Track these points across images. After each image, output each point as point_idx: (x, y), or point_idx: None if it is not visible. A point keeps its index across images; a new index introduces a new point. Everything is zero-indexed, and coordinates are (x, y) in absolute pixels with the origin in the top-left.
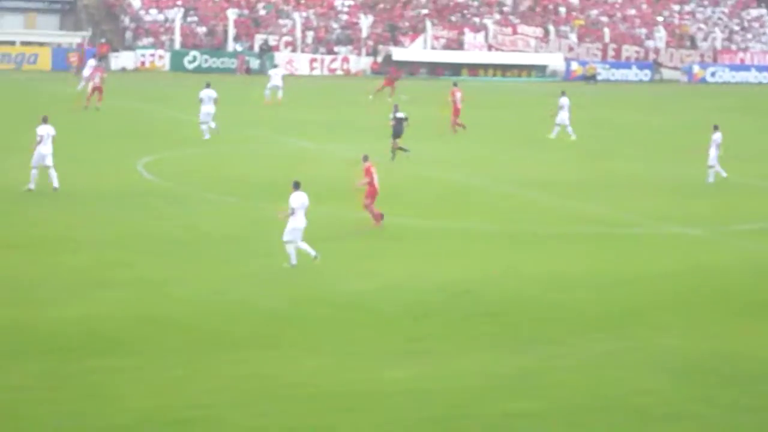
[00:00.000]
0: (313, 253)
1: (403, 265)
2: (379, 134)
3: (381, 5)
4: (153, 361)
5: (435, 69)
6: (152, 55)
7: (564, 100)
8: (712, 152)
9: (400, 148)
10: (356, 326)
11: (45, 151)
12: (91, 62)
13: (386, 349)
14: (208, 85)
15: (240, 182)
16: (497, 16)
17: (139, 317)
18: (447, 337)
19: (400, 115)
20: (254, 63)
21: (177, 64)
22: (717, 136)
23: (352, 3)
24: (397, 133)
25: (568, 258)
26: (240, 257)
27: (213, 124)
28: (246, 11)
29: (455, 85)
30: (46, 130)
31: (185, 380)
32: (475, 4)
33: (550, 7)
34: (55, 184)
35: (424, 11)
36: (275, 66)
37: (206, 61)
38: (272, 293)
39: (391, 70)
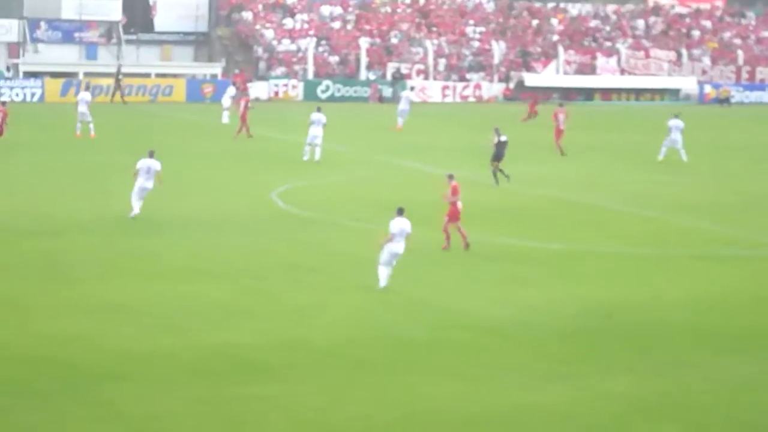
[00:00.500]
0: (383, 283)
1: (541, 289)
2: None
3: (513, 31)
4: (297, 389)
5: (568, 94)
6: (285, 84)
7: (675, 122)
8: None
9: (501, 171)
10: (498, 351)
11: (147, 185)
12: (231, 91)
13: (529, 373)
14: (318, 110)
15: (373, 207)
16: (630, 40)
17: (283, 344)
18: (589, 360)
19: (502, 138)
20: (387, 91)
21: (310, 93)
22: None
23: (483, 29)
24: (498, 156)
25: (706, 280)
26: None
27: (317, 150)
28: (378, 40)
29: (561, 105)
30: (147, 164)
31: (328, 407)
32: (607, 28)
33: (683, 30)
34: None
35: (556, 37)
36: (405, 89)
37: (339, 90)
38: (411, 319)
39: (532, 96)
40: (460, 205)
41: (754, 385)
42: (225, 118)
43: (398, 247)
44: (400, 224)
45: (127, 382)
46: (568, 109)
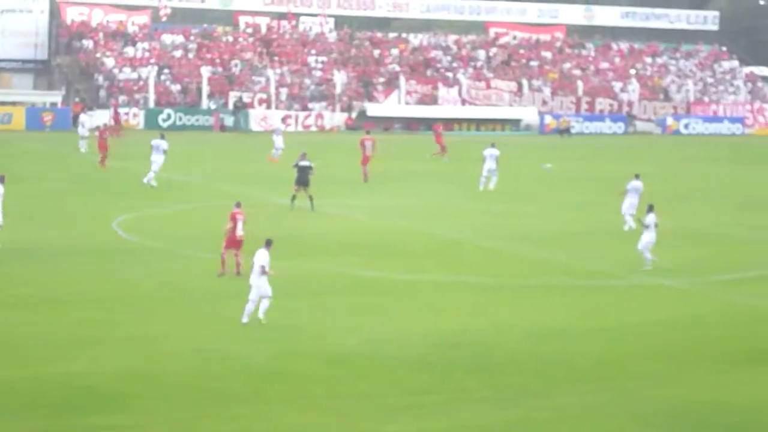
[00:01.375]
0: (245, 319)
1: (391, 319)
2: (372, 188)
3: (354, 61)
4: (143, 419)
5: (410, 124)
6: (126, 113)
7: (490, 151)
8: (629, 200)
9: (309, 198)
10: (346, 381)
11: None
12: (85, 119)
13: (377, 403)
14: (162, 136)
15: (217, 237)
16: (471, 71)
17: (129, 374)
18: (437, 390)
19: (304, 163)
20: (228, 120)
21: (152, 122)
22: (637, 185)
23: (325, 59)
24: (299, 180)
25: (552, 310)
26: (222, 312)
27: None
28: (220, 69)
29: (367, 133)
30: None
31: None
32: (448, 58)
33: (524, 61)
34: None
35: (398, 67)
36: (277, 131)
37: (180, 118)
38: (260, 349)
39: (434, 128)
40: (240, 233)
41: (600, 414)
42: (82, 146)
43: (260, 282)
44: (262, 257)
45: None
46: (390, 137)
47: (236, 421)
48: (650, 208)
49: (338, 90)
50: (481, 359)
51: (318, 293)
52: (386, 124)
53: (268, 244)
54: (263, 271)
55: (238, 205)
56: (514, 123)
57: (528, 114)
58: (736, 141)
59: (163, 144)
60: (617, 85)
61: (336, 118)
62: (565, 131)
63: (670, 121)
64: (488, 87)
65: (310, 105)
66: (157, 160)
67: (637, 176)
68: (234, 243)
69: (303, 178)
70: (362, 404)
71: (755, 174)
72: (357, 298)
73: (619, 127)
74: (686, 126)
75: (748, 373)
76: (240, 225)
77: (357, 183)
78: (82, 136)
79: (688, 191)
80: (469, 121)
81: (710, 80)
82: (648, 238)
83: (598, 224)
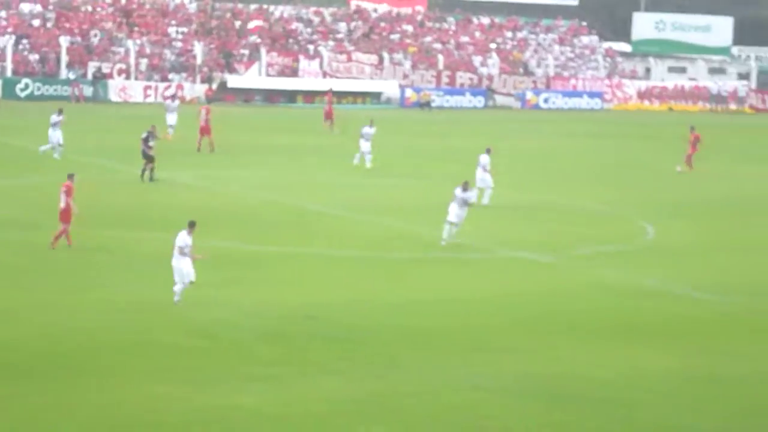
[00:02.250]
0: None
1: (250, 291)
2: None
3: (215, 32)
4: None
5: (270, 96)
6: None
7: (367, 130)
8: (479, 174)
9: (150, 172)
10: (206, 353)
11: None
12: None
13: (235, 375)
14: (59, 111)
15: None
16: (332, 43)
17: None
18: (294, 362)
19: (143, 135)
20: (87, 90)
21: (9, 91)
22: (484, 158)
23: (186, 30)
24: (144, 153)
25: (414, 283)
26: (86, 286)
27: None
28: (79, 38)
29: (209, 103)
30: None
31: (45, 408)
32: (309, 31)
33: (385, 34)
34: None
35: (259, 39)
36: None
37: (39, 88)
38: (117, 322)
39: (327, 96)
40: (62, 205)
41: (462, 387)
42: None
43: (181, 264)
44: (178, 239)
45: None
46: (251, 109)
47: (93, 392)
48: (466, 186)
49: (198, 61)
50: (339, 332)
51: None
52: (247, 95)
53: (191, 225)
54: (182, 253)
55: (71, 177)
56: (375, 96)
57: (389, 87)
58: (594, 116)
59: (59, 118)
60: (477, 60)
61: (196, 90)
62: (425, 105)
63: (529, 95)
64: (349, 60)
65: (170, 76)
66: (55, 134)
67: (488, 150)
68: (62, 216)
69: (145, 152)
70: (219, 375)
71: (614, 149)
72: (217, 270)
73: (479, 101)
74: (546, 100)
75: (609, 347)
76: (63, 197)
77: (220, 155)
78: None
79: (548, 166)
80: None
81: (570, 55)
82: (459, 212)
83: None
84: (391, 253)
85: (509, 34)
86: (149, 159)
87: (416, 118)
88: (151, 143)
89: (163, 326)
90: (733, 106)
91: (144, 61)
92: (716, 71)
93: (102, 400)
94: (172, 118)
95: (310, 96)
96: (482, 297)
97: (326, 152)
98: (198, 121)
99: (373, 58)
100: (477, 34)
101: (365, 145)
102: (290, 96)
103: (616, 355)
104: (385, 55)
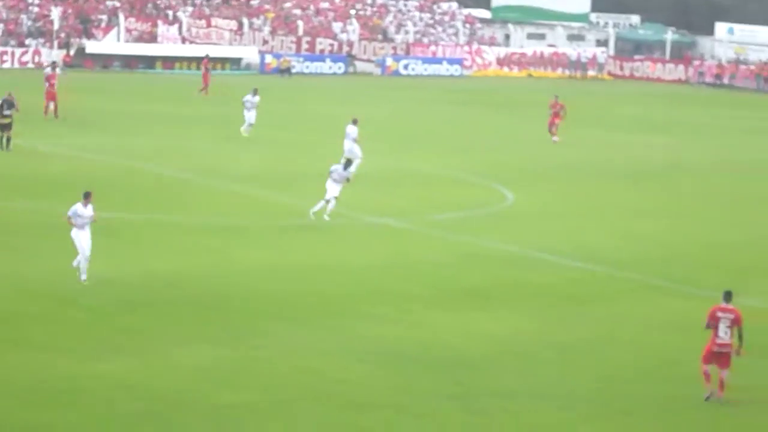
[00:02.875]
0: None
1: (112, 259)
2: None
3: None
4: None
5: (129, 62)
6: None
7: (249, 98)
8: (347, 145)
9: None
10: (65, 321)
11: None
12: None
13: (94, 343)
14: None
15: None
16: (191, 9)
17: None
18: (155, 330)
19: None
20: None
21: None
22: (352, 129)
23: None
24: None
25: (275, 249)
26: None
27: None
28: None
29: (53, 70)
30: None
31: None
32: None
33: (244, 0)
34: None
35: (117, 3)
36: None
37: None
38: None
39: (204, 63)
40: None
41: (319, 351)
42: None
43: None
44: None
45: None
46: (109, 75)
47: None
48: (348, 164)
49: (56, 27)
50: (199, 299)
51: (43, 235)
52: (105, 61)
53: (86, 197)
54: (78, 225)
55: None
56: (235, 62)
57: (248, 53)
58: (455, 82)
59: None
60: (338, 26)
61: (54, 55)
62: (285, 71)
63: (389, 61)
64: (209, 25)
65: (26, 41)
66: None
67: (354, 121)
68: None
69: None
70: (75, 344)
71: (473, 116)
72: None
73: (339, 67)
74: (406, 67)
75: (464, 313)
76: None
77: (84, 122)
78: None
79: (408, 133)
80: (190, 59)
81: (430, 21)
82: (335, 189)
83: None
84: (253, 221)
85: (369, 0)
86: (5, 127)
87: (276, 84)
88: (6, 111)
89: (20, 294)
90: (592, 73)
91: (0, 26)
92: (575, 38)
93: None
94: (251, 116)
95: (170, 62)
96: (343, 264)
97: (190, 119)
98: (44, 87)
99: (233, 24)
100: (337, 0)
101: (250, 115)
102: (149, 62)
103: (470, 320)
104: (245, 20)
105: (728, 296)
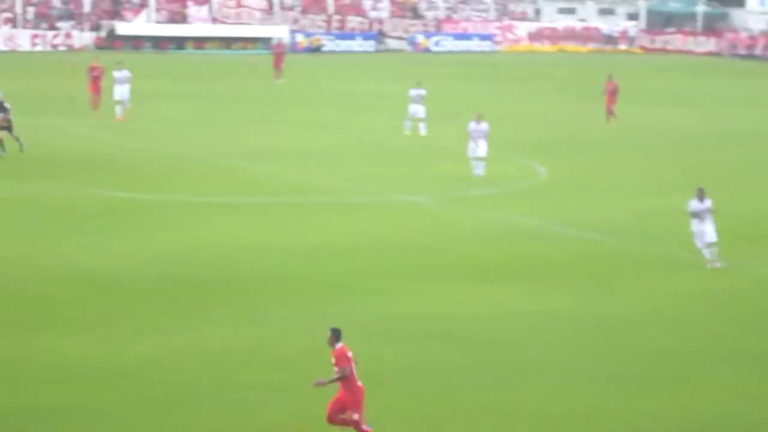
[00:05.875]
0: None
1: (136, 238)
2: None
3: None
4: None
5: (159, 43)
6: None
7: (416, 92)
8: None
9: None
10: (95, 301)
11: None
12: None
13: (126, 325)
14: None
15: None
16: None
17: None
18: (185, 311)
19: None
20: None
21: None
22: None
23: None
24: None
25: (297, 228)
26: None
27: None
28: None
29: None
30: None
31: None
32: None
33: None
34: None
35: None
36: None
37: None
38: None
39: (275, 47)
40: None
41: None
42: None
43: None
44: None
45: None
46: (140, 56)
47: None
48: None
49: (86, 9)
50: (236, 279)
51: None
52: (135, 43)
53: None
54: None
55: None
56: (265, 41)
57: (279, 32)
58: (486, 58)
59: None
60: (368, 3)
61: (85, 37)
62: (316, 50)
63: (420, 38)
64: (238, 5)
65: (57, 24)
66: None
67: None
68: None
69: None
70: (108, 326)
71: (505, 92)
72: (99, 218)
73: (370, 45)
74: (437, 43)
75: (493, 288)
76: None
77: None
78: None
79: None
80: (220, 39)
81: None
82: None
83: (345, 143)
84: (278, 199)
85: None
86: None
87: (306, 62)
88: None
89: (54, 276)
90: (623, 47)
91: (31, 9)
92: (606, 12)
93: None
94: (419, 110)
95: (200, 42)
96: (373, 241)
97: (217, 99)
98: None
99: (263, 3)
100: None
101: (416, 108)
102: (179, 42)
103: (499, 296)
104: (275, 0)
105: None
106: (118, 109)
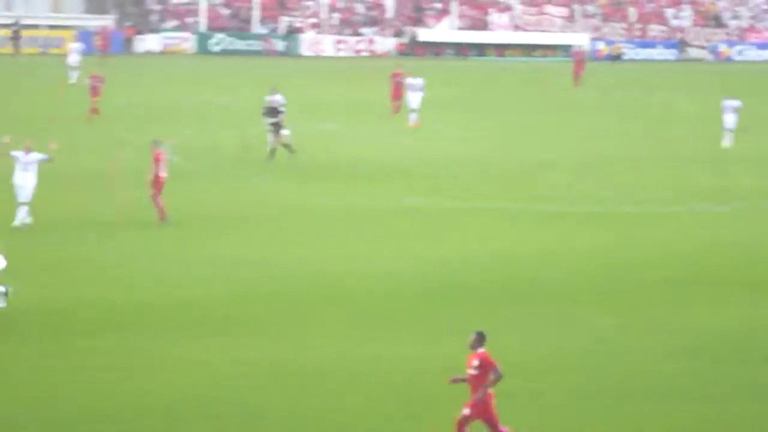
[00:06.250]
0: None
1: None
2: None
3: None
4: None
5: (461, 49)
6: (177, 38)
7: (729, 103)
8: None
9: (285, 147)
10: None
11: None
12: (77, 47)
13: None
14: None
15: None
16: None
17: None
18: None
19: (275, 97)
20: (279, 45)
21: (203, 46)
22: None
23: None
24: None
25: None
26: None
27: None
28: None
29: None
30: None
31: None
32: None
33: None
34: None
35: None
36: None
37: (231, 43)
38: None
39: (575, 54)
40: (163, 175)
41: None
42: (73, 77)
43: None
44: None
45: None
46: (442, 62)
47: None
48: None
49: (389, 15)
50: (520, 285)
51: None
52: (437, 49)
53: None
54: None
55: (156, 144)
56: (565, 49)
57: (580, 40)
58: None
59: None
60: (670, 12)
61: (387, 43)
62: (616, 58)
63: (722, 47)
64: (540, 12)
65: (361, 30)
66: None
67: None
68: (158, 185)
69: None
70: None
71: None
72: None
73: (671, 53)
74: (739, 53)
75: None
76: (161, 165)
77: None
78: (73, 65)
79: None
80: (521, 47)
81: (764, 6)
82: None
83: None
84: (554, 207)
85: None
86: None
87: (606, 71)
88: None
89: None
90: None
91: (335, 16)
92: None
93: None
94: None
95: (501, 49)
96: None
97: (510, 107)
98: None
99: (564, 11)
100: None
101: (730, 119)
102: (480, 49)
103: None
104: (576, 7)
105: None
106: (412, 116)
